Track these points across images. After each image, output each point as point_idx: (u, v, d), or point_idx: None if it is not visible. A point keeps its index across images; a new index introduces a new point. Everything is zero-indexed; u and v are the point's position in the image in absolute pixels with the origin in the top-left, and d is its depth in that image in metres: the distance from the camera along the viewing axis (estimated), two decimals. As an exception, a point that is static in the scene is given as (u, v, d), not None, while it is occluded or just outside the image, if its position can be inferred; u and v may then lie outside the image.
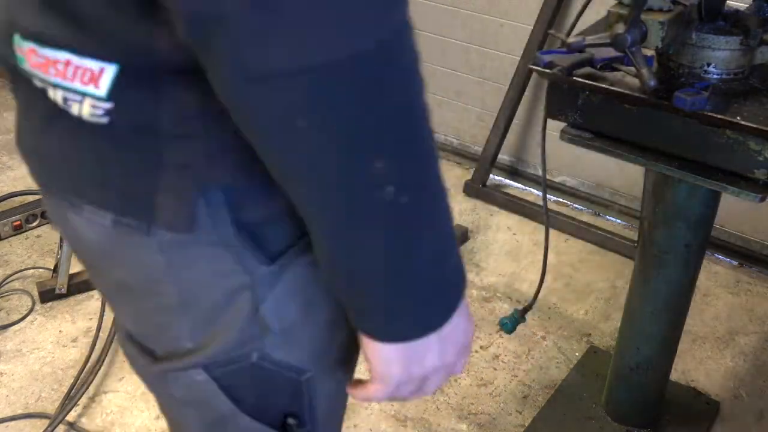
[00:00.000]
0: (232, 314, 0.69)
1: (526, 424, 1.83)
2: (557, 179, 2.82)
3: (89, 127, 0.62)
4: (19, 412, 1.82)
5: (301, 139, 0.55)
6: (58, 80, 0.61)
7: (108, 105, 0.61)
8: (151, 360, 0.76)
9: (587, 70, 1.32)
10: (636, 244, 1.65)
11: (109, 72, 0.60)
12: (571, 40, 1.27)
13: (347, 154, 0.56)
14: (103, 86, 0.60)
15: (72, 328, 2.09)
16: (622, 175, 2.65)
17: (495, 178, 2.87)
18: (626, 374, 1.71)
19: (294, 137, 0.55)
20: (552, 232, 2.47)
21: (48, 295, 2.16)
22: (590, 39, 1.25)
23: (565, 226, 2.58)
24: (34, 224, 2.49)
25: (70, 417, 1.79)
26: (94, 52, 0.60)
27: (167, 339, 0.74)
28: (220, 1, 0.50)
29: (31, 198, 2.51)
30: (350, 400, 0.87)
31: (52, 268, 2.23)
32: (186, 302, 0.69)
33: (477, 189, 2.76)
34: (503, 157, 2.87)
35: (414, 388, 0.73)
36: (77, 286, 2.19)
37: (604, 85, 1.28)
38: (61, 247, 2.13)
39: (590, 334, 2.13)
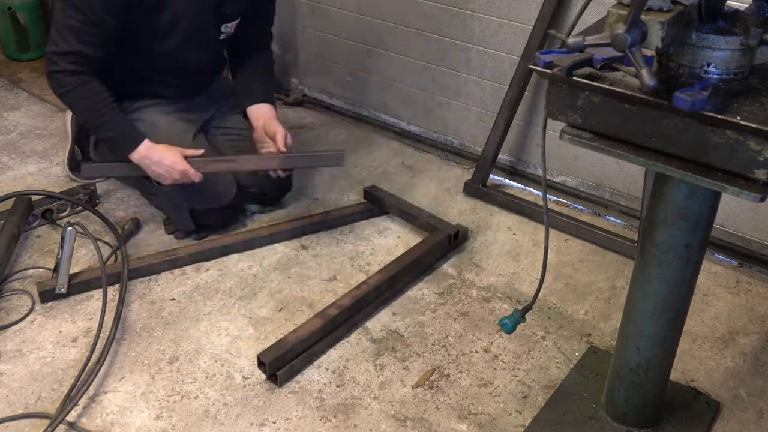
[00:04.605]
0: None
1: (526, 424, 1.83)
2: (557, 179, 2.82)
3: None
4: (19, 412, 1.82)
5: None
6: None
7: None
8: None
9: (587, 70, 1.32)
10: (636, 244, 1.65)
11: None
12: (571, 40, 1.27)
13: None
14: None
15: (72, 328, 2.09)
16: (622, 175, 2.65)
17: (495, 178, 2.88)
18: (626, 374, 1.71)
19: None
20: (552, 232, 2.48)
21: (48, 295, 2.16)
22: (590, 39, 1.25)
23: (565, 226, 2.58)
24: (35, 224, 2.49)
25: (70, 417, 1.79)
26: None
27: None
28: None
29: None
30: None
31: (52, 268, 2.23)
32: None
33: (477, 189, 2.76)
34: (503, 157, 2.88)
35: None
36: (77, 286, 2.19)
37: (604, 85, 1.28)
38: (61, 247, 2.13)
39: (590, 334, 2.13)
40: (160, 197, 2.47)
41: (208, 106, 2.60)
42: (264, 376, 1.94)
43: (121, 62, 2.31)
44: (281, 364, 1.93)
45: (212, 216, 2.45)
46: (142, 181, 2.49)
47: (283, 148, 2.41)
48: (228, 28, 2.39)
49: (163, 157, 2.24)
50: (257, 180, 2.54)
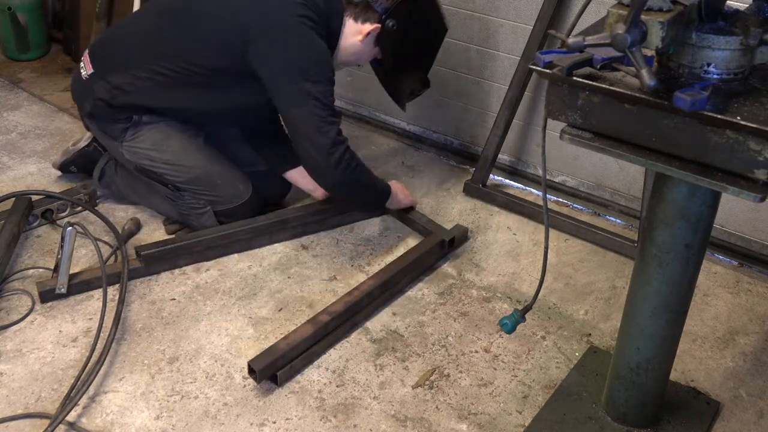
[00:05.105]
0: None
1: (526, 424, 1.83)
2: (557, 179, 2.82)
3: None
4: (19, 412, 1.82)
5: None
6: None
7: None
8: None
9: (587, 70, 1.32)
10: (636, 244, 1.65)
11: None
12: (571, 40, 1.27)
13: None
14: None
15: (72, 328, 2.09)
16: (622, 175, 2.65)
17: (495, 178, 2.88)
18: (626, 374, 1.71)
19: None
20: (552, 232, 2.48)
21: (48, 295, 2.16)
22: (590, 39, 1.25)
23: (565, 226, 2.58)
24: (35, 224, 2.49)
25: (70, 417, 1.79)
26: None
27: None
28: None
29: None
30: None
31: (52, 268, 2.23)
32: None
33: (477, 189, 2.76)
34: (503, 157, 2.88)
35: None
36: (77, 286, 2.19)
37: (604, 85, 1.28)
38: (61, 247, 2.13)
39: (590, 334, 2.13)
40: (181, 205, 2.46)
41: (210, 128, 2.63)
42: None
43: (213, 98, 2.37)
44: (275, 369, 1.91)
45: (236, 214, 2.46)
46: (161, 197, 2.50)
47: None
48: None
49: (401, 191, 2.56)
50: (258, 181, 2.54)
